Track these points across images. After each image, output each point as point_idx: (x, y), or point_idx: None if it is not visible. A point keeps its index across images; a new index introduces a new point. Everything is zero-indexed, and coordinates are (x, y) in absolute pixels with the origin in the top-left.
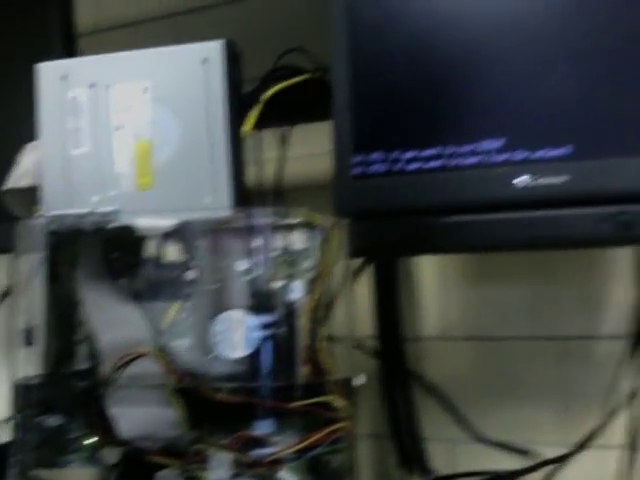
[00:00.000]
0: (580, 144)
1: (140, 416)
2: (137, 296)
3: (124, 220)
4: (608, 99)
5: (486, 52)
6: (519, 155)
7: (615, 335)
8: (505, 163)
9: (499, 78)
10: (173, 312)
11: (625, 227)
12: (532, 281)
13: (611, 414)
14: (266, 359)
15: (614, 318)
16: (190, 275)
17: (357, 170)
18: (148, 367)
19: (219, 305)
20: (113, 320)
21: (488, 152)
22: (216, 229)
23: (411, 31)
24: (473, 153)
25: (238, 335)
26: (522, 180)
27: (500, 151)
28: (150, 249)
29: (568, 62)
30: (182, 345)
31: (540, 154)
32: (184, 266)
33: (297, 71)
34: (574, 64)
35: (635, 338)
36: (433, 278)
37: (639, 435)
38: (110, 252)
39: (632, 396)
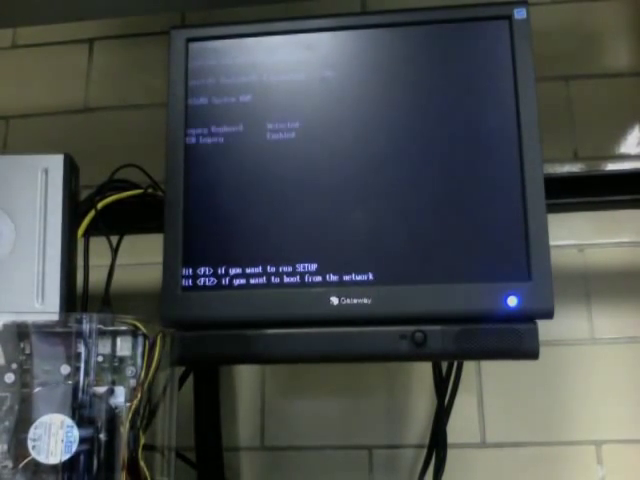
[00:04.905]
0: (379, 272)
1: None
2: None
3: None
4: (404, 237)
5: (303, 188)
6: (331, 278)
7: (417, 444)
8: (321, 284)
9: (313, 212)
10: None
11: (419, 344)
12: (342, 394)
13: None
14: (84, 465)
15: (416, 428)
16: (9, 378)
17: (186, 282)
18: None
19: (39, 409)
20: None
21: (305, 273)
22: (41, 332)
23: (240, 164)
24: (292, 273)
25: (56, 440)
26: (335, 300)
27: (315, 273)
28: None
29: (371, 203)
30: None
31: (348, 278)
32: (4, 369)
33: (132, 185)
34: (376, 205)
35: (431, 446)
36: (252, 390)
37: None
38: None
39: None
